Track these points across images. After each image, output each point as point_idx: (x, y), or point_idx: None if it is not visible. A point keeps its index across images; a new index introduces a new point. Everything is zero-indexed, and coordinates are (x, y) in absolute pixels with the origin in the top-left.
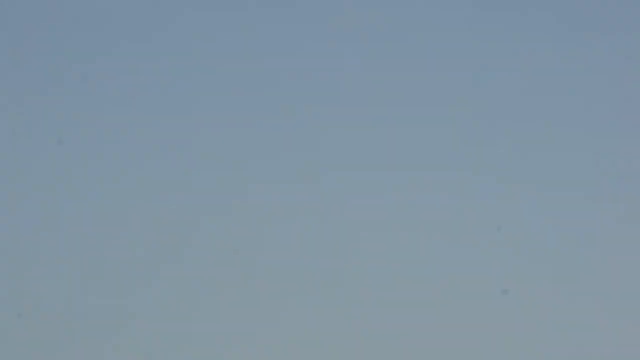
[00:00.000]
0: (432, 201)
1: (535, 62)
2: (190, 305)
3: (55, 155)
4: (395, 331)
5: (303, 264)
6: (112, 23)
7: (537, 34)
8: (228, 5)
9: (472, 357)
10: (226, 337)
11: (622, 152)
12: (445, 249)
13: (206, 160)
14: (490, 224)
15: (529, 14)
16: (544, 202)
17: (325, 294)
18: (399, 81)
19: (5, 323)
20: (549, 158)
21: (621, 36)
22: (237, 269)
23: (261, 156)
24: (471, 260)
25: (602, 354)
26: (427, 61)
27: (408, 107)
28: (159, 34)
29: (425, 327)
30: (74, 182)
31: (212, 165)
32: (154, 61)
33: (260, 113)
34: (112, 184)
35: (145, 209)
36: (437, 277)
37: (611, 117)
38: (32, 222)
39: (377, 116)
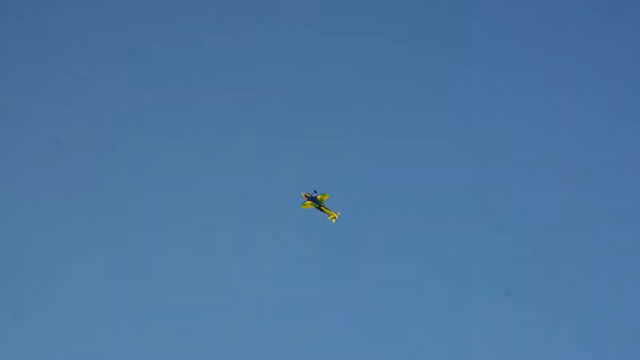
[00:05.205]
0: (434, 203)
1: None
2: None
3: (55, 155)
4: (397, 332)
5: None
6: (114, 25)
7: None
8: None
9: (473, 357)
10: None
11: (624, 151)
12: (447, 251)
13: (207, 160)
14: (492, 225)
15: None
16: (545, 202)
17: (328, 295)
18: (399, 83)
19: (3, 324)
20: (551, 157)
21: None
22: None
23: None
24: (474, 262)
25: (603, 353)
26: (426, 62)
27: (407, 111)
28: (159, 34)
29: (426, 328)
30: (74, 182)
31: (213, 165)
32: (155, 62)
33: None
34: (113, 184)
35: (145, 208)
36: (438, 278)
37: (611, 118)
38: (32, 222)
39: (377, 119)
